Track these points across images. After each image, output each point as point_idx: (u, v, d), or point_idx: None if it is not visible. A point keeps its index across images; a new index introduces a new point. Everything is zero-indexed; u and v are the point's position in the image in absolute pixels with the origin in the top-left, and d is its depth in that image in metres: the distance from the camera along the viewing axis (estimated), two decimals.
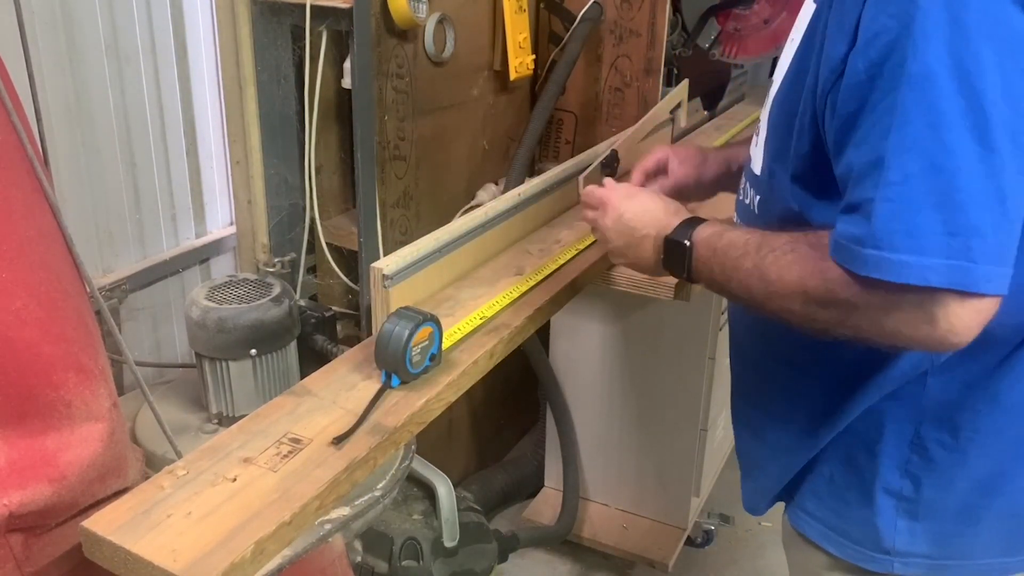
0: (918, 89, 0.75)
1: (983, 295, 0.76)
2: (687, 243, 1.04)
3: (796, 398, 1.08)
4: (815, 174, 0.91)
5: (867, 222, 0.78)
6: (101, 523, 0.89)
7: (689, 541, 2.29)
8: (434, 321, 1.15)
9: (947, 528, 1.02)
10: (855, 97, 0.81)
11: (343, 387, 1.15)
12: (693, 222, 1.06)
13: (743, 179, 1.11)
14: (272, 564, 1.19)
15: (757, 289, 0.93)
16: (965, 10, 0.74)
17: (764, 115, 1.02)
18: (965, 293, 0.75)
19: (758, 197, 1.04)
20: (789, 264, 0.89)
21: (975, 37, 0.74)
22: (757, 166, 1.03)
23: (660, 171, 1.39)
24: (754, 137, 1.06)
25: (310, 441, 1.03)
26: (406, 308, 1.18)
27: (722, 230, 1.02)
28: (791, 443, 1.09)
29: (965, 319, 0.77)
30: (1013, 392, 0.96)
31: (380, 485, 1.33)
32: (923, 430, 0.99)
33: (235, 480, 0.96)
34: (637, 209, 1.14)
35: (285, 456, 1.00)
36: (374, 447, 1.04)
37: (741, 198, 1.11)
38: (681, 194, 1.33)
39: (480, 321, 1.31)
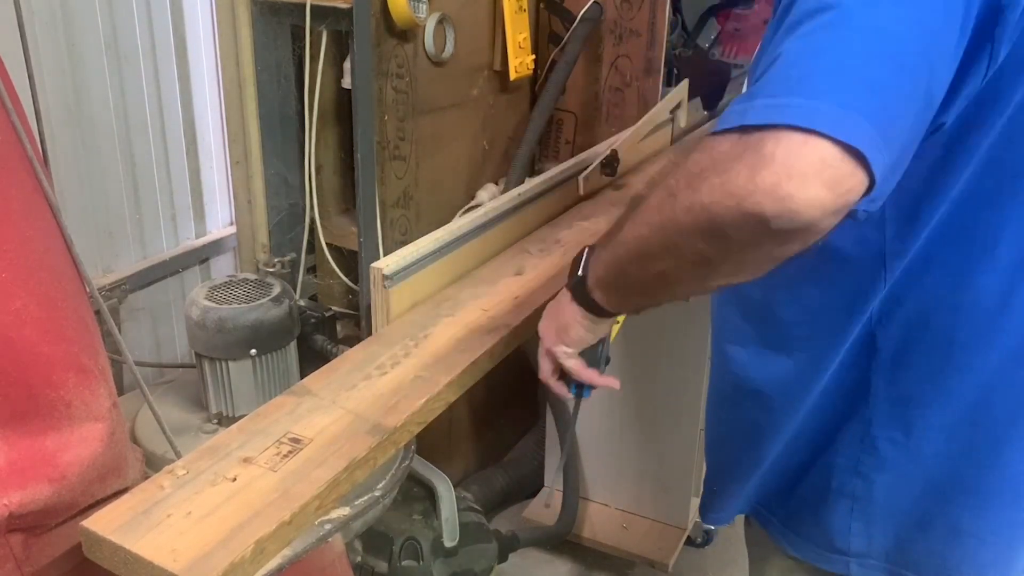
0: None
1: (841, 142, 0.63)
2: (580, 273, 0.98)
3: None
4: None
5: (757, 86, 0.68)
6: (101, 523, 0.89)
7: (689, 541, 2.29)
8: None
9: (903, 532, 1.00)
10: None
11: (343, 387, 1.15)
12: (582, 257, 1.00)
13: None
14: (272, 564, 1.19)
15: (643, 254, 0.82)
16: None
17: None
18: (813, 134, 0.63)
19: None
20: (644, 210, 0.80)
21: None
22: None
23: None
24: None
25: (310, 441, 1.03)
26: None
27: (599, 247, 0.95)
28: (748, 448, 1.08)
29: (809, 161, 0.63)
30: (965, 387, 0.91)
31: (380, 485, 1.33)
32: (874, 428, 0.96)
33: (235, 480, 0.96)
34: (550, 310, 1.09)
35: (285, 456, 1.00)
36: (374, 447, 1.04)
37: None
38: None
39: None
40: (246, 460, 1.00)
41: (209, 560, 0.86)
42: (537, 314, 1.37)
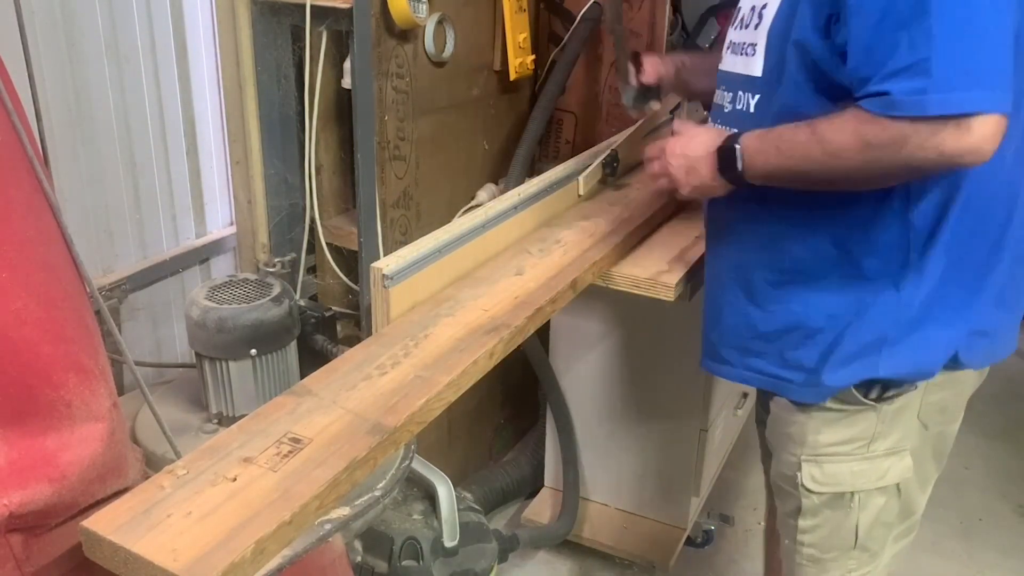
0: None
1: (1002, 113, 0.99)
2: (736, 145, 1.19)
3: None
4: (821, 73, 1.11)
5: (927, 76, 0.98)
6: (101, 523, 0.89)
7: (689, 541, 2.29)
8: None
9: None
10: None
11: (343, 387, 1.15)
12: (738, 134, 1.21)
13: (725, 95, 1.28)
14: (272, 564, 1.19)
15: (816, 154, 1.09)
16: None
17: (761, 37, 1.18)
18: (992, 114, 0.98)
19: (757, 96, 1.20)
20: (842, 123, 1.06)
21: None
22: (757, 69, 1.19)
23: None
24: (732, 59, 1.25)
25: (310, 441, 1.03)
26: None
27: (766, 129, 1.17)
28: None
29: (991, 130, 0.99)
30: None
31: (380, 485, 1.33)
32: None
33: (235, 480, 0.96)
34: (690, 142, 1.28)
35: (285, 456, 1.00)
36: (374, 447, 1.04)
37: (728, 110, 1.27)
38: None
39: None
40: (246, 460, 1.00)
41: (209, 560, 0.85)
42: (538, 314, 1.38)
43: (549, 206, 1.77)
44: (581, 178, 1.82)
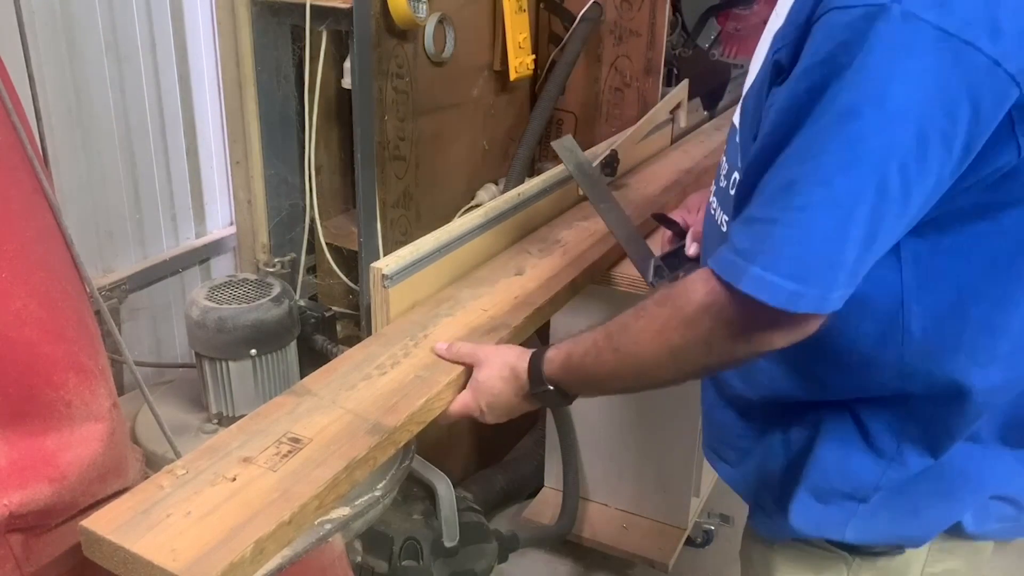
0: (842, 123, 0.77)
1: (824, 314, 0.83)
2: (551, 388, 1.06)
3: None
4: None
5: (762, 242, 0.82)
6: (100, 522, 0.89)
7: (689, 541, 2.29)
8: None
9: None
10: (781, 104, 0.82)
11: (343, 387, 1.15)
12: (538, 361, 1.07)
13: (724, 164, 1.07)
14: (272, 564, 1.19)
15: (629, 373, 0.98)
16: (908, 57, 0.74)
17: (739, 107, 1.00)
18: (816, 315, 0.83)
19: (725, 217, 1.02)
20: (641, 330, 0.94)
21: (911, 87, 0.74)
22: (724, 179, 1.02)
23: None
24: (734, 125, 1.04)
25: (310, 441, 1.03)
26: None
27: (568, 350, 1.04)
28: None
29: (812, 326, 0.85)
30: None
31: (380, 485, 1.33)
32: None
33: (234, 480, 0.96)
34: (492, 394, 1.14)
35: (285, 456, 1.00)
36: (374, 447, 1.04)
37: (723, 185, 1.05)
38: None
39: None
40: (246, 460, 0.99)
41: (208, 559, 0.85)
42: (537, 314, 1.38)
43: (549, 206, 1.77)
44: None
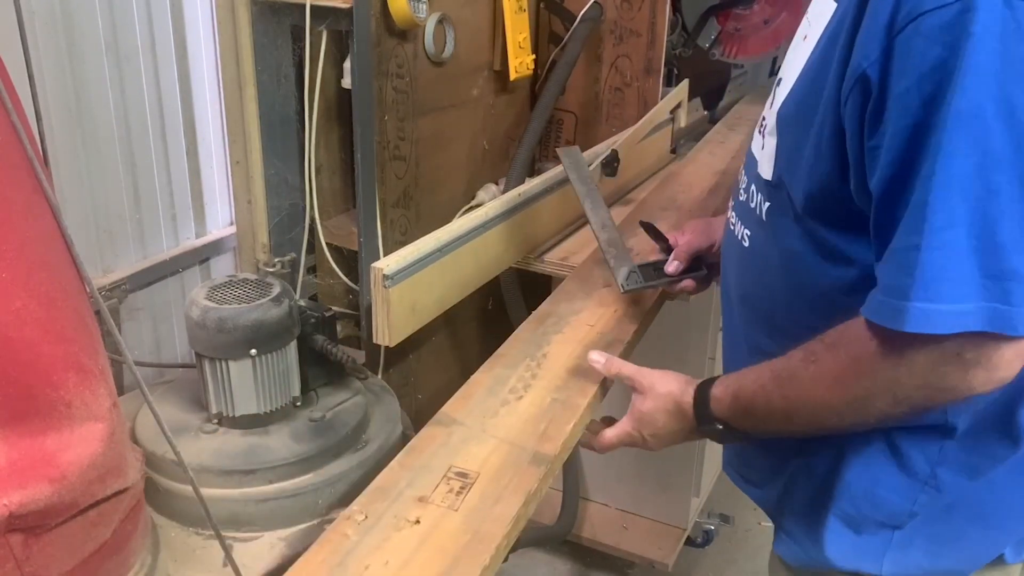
0: (965, 127, 0.72)
1: (1020, 337, 0.75)
2: (719, 427, 1.02)
3: None
4: (835, 201, 0.86)
5: (910, 273, 0.75)
6: None
7: (689, 541, 2.29)
8: None
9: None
10: (895, 126, 0.77)
11: (485, 413, 1.14)
12: (704, 398, 1.03)
13: (743, 178, 1.06)
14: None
15: (802, 420, 0.91)
16: (1021, 42, 0.71)
17: (772, 118, 0.96)
18: (1004, 336, 0.75)
19: (767, 204, 0.98)
20: (815, 378, 0.87)
21: None
22: (767, 170, 0.96)
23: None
24: (757, 137, 1.01)
25: (477, 474, 1.02)
26: None
27: (735, 391, 0.99)
28: None
29: (1007, 359, 0.77)
30: None
31: None
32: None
33: (418, 522, 0.94)
34: (656, 427, 1.11)
35: (458, 493, 0.99)
36: (542, 478, 1.03)
37: (743, 199, 1.05)
38: (705, 258, 1.35)
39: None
40: (421, 499, 0.97)
41: None
42: (643, 327, 1.39)
43: (549, 206, 1.77)
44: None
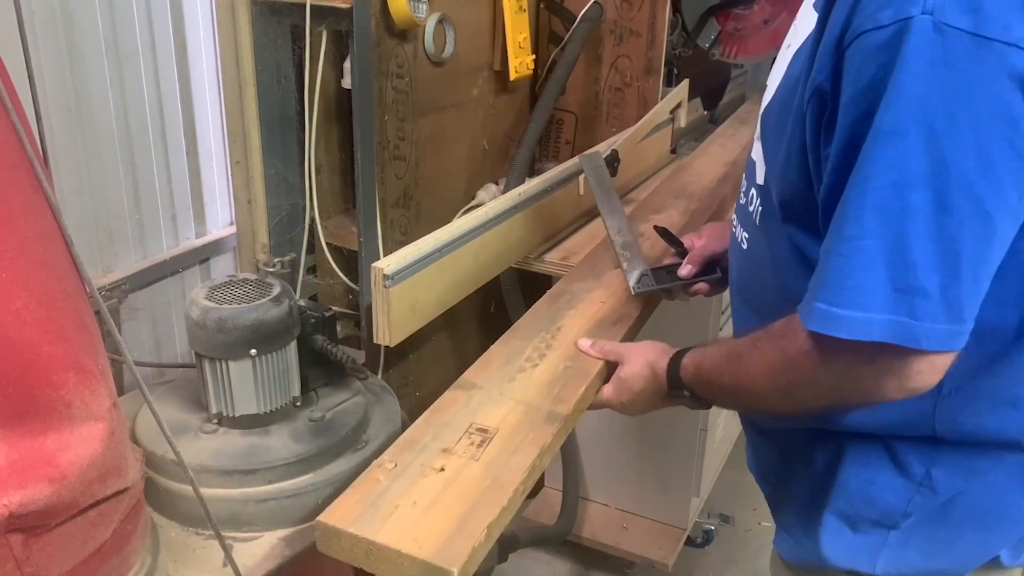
0: (886, 145, 0.75)
1: (927, 351, 0.78)
2: (687, 394, 1.08)
3: None
4: (804, 207, 0.89)
5: (819, 275, 0.80)
6: (336, 516, 0.94)
7: (689, 541, 2.29)
8: None
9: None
10: (838, 137, 0.80)
11: (503, 379, 1.21)
12: (676, 365, 1.09)
13: (744, 182, 1.08)
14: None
15: (743, 401, 1.02)
16: (947, 68, 0.72)
17: (758, 124, 0.99)
18: (913, 349, 0.78)
19: (761, 208, 1.00)
20: (754, 362, 0.93)
21: (954, 97, 0.72)
22: (760, 175, 0.99)
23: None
24: (755, 143, 1.02)
25: (496, 430, 1.10)
26: None
27: (699, 361, 1.06)
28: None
29: (917, 370, 0.79)
30: None
31: None
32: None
33: (443, 470, 1.02)
34: (633, 392, 1.17)
35: (479, 445, 1.07)
36: (556, 433, 1.10)
37: (743, 202, 1.07)
38: (720, 261, 1.36)
39: None
40: (445, 451, 1.05)
41: (451, 546, 0.90)
42: (649, 306, 1.45)
43: (549, 206, 1.77)
44: (581, 178, 1.83)
